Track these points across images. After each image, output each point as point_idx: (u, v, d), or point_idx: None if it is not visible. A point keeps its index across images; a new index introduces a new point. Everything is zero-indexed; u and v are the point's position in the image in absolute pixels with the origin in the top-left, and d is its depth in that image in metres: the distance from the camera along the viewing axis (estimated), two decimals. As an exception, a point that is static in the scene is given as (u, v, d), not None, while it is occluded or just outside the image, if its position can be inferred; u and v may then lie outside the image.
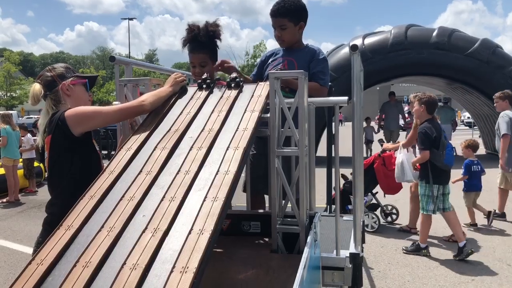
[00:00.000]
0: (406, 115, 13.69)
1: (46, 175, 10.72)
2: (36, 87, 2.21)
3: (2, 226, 6.71)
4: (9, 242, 5.88)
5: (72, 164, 2.11)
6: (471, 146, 5.88)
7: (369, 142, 13.75)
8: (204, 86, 2.37)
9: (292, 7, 2.93)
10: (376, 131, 14.69)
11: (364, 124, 12.95)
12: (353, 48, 2.43)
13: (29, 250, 5.43)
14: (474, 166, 5.81)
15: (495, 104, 6.30)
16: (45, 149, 2.17)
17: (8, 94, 37.37)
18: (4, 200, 8.43)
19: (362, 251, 2.69)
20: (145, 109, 2.13)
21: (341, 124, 23.12)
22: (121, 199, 1.64)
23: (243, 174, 2.57)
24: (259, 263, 2.13)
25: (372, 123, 14.97)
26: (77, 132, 2.06)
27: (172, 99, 2.29)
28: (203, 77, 2.42)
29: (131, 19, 50.90)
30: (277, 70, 2.87)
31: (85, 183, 1.81)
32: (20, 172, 9.08)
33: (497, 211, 6.27)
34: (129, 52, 49.69)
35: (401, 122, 13.99)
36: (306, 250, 1.93)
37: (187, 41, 2.78)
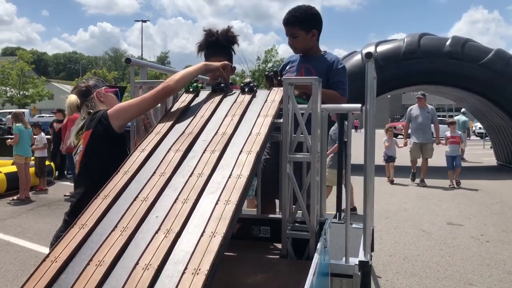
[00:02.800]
0: (447, 130, 10.33)
1: (56, 174, 10.82)
2: (72, 98, 2.36)
3: (13, 223, 6.77)
4: (18, 239, 5.94)
5: (104, 158, 2.19)
6: None
7: (389, 159, 10.19)
8: (218, 90, 2.39)
9: (303, 16, 2.96)
10: (401, 144, 10.57)
11: (385, 137, 10.24)
12: (368, 56, 2.44)
13: (38, 248, 5.49)
14: None
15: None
16: (80, 144, 2.25)
17: (21, 93, 37.84)
18: (15, 197, 8.51)
19: (371, 259, 2.68)
20: (171, 88, 2.22)
21: (356, 130, 22.93)
22: (134, 200, 1.66)
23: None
24: (268, 268, 2.14)
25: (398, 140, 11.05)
26: (117, 126, 2.16)
27: (186, 103, 2.31)
28: (217, 81, 2.45)
29: (144, 21, 51.39)
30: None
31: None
32: (32, 170, 9.17)
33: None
34: (142, 54, 50.07)
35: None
36: (316, 256, 1.94)
37: (206, 45, 2.84)
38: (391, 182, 10.18)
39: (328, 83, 2.90)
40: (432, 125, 10.11)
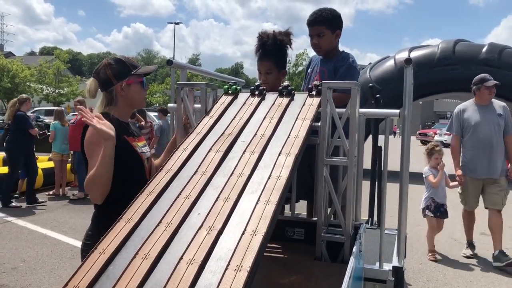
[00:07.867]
0: None
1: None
2: (92, 85, 2.15)
3: (49, 217, 7.00)
4: (55, 232, 6.13)
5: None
6: None
7: (439, 211, 5.31)
8: (257, 92, 2.44)
9: (330, 16, 3.05)
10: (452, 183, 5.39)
11: (427, 164, 5.41)
12: (407, 62, 2.44)
13: (73, 242, 5.65)
14: None
15: None
16: None
17: (56, 91, 38.96)
18: (51, 192, 8.78)
19: (404, 265, 2.67)
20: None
21: (394, 136, 22.75)
22: (177, 197, 1.71)
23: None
24: (302, 270, 2.16)
25: (426, 169, 5.34)
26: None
27: (225, 105, 2.36)
28: (256, 84, 2.50)
29: (177, 23, 52.15)
30: (312, 82, 2.89)
31: (119, 186, 1.90)
32: (69, 166, 9.41)
33: None
34: (174, 56, 50.74)
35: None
36: (351, 260, 1.95)
37: (258, 48, 2.92)
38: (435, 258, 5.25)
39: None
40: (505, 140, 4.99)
